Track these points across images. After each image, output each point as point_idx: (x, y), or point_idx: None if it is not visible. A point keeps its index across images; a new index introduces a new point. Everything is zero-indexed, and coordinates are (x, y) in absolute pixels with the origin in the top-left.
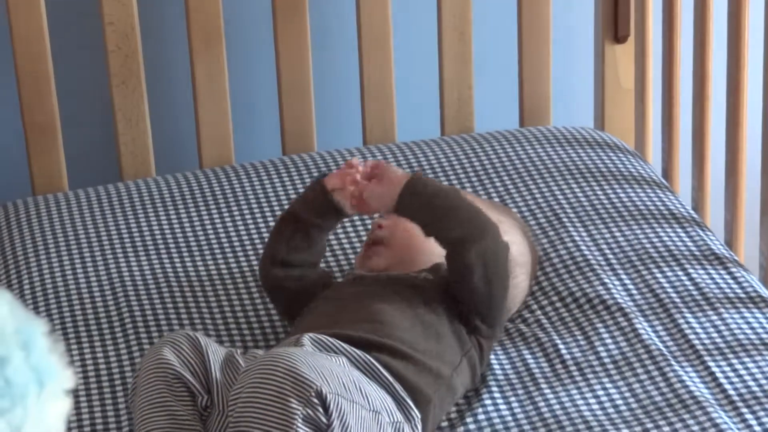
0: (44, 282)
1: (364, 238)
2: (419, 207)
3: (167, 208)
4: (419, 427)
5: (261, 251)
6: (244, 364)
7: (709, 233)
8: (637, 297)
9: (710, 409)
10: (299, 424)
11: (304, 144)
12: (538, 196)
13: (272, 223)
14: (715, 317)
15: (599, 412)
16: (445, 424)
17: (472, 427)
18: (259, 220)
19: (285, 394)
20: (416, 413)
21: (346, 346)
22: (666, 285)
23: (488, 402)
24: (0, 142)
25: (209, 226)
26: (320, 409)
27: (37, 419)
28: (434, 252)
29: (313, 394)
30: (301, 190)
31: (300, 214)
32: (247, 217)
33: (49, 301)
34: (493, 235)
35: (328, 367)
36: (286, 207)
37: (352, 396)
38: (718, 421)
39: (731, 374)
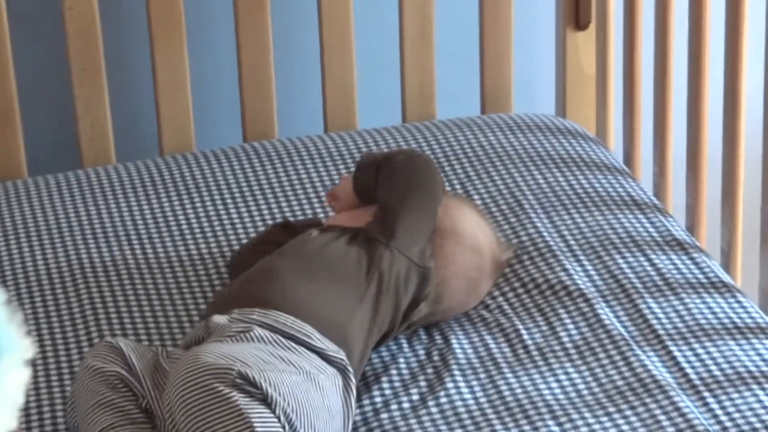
0: (3, 267)
1: None
2: (367, 176)
3: (127, 195)
4: (349, 367)
5: (219, 236)
6: (168, 368)
7: (670, 219)
8: (599, 283)
9: (672, 393)
10: (240, 399)
11: (265, 131)
12: (499, 183)
13: (232, 209)
14: (676, 302)
15: (561, 397)
16: (406, 406)
17: (434, 410)
18: (219, 206)
19: (213, 386)
20: (340, 356)
21: (255, 314)
22: (628, 270)
23: (451, 386)
24: None
25: (169, 213)
26: (248, 387)
27: None
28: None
29: (235, 375)
30: (262, 178)
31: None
32: (207, 203)
33: (8, 285)
34: (424, 164)
35: (239, 350)
36: (247, 195)
37: (276, 366)
38: (680, 405)
39: (693, 359)
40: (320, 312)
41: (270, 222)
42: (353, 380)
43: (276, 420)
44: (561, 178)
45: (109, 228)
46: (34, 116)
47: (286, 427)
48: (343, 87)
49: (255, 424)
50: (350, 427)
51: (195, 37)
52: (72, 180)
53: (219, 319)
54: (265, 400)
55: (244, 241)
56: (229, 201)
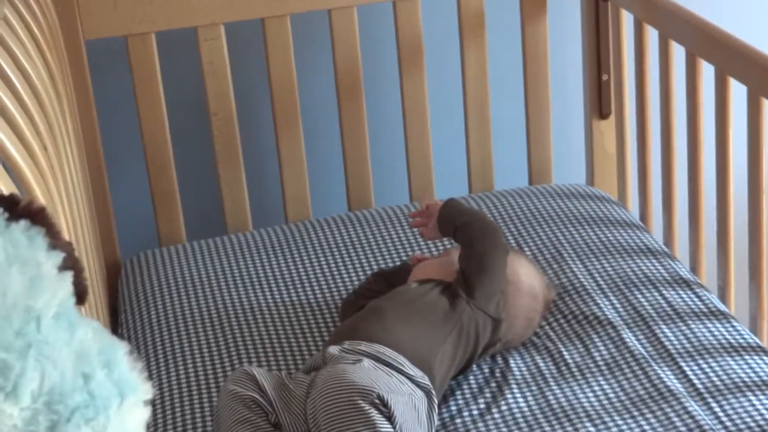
0: (167, 311)
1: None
2: (447, 227)
3: (260, 254)
4: (433, 392)
5: (331, 285)
6: (293, 387)
7: (677, 262)
8: (623, 313)
9: (683, 400)
10: (375, 416)
11: (365, 201)
12: (544, 237)
13: (340, 264)
14: (684, 327)
15: (596, 404)
16: (475, 413)
17: (497, 416)
18: (331, 262)
19: (356, 402)
20: (427, 382)
21: (360, 348)
22: (645, 303)
23: (509, 397)
24: (134, 207)
25: (293, 267)
26: (381, 406)
27: (118, 426)
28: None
29: (375, 396)
30: (363, 239)
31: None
32: (322, 260)
33: (170, 325)
34: (492, 235)
35: (369, 373)
36: (351, 252)
37: (392, 389)
38: (690, 409)
39: (699, 372)
40: (412, 347)
41: (369, 272)
42: (436, 401)
43: None
44: (591, 233)
45: (246, 279)
46: (190, 196)
47: None
48: (422, 166)
49: None
50: None
51: (310, 131)
52: (219, 244)
53: (333, 349)
54: (390, 419)
55: (350, 289)
56: (338, 257)
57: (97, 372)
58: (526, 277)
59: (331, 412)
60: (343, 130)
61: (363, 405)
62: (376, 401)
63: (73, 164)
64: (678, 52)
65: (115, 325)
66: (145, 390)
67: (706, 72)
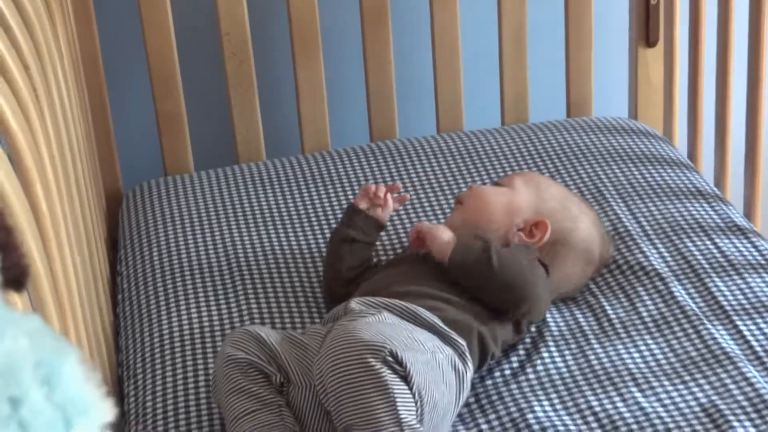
0: (170, 247)
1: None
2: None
3: (273, 187)
4: (467, 353)
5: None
6: (307, 341)
7: (731, 207)
8: (671, 263)
9: (740, 364)
10: (388, 375)
11: (388, 132)
12: (584, 175)
13: None
14: (740, 281)
15: (642, 365)
16: (508, 372)
17: (532, 377)
18: (350, 196)
19: (366, 360)
20: (461, 341)
21: (387, 300)
22: (696, 252)
23: (546, 355)
24: (138, 131)
25: (308, 201)
26: (394, 364)
27: None
28: (498, 227)
29: (387, 353)
30: (385, 171)
31: (351, 235)
32: (341, 194)
33: (173, 262)
34: (528, 290)
35: (384, 329)
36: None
37: (410, 346)
38: (748, 374)
39: (757, 332)
40: (449, 315)
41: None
42: (470, 364)
43: (412, 397)
44: (636, 171)
45: (258, 214)
46: (199, 122)
47: (419, 402)
48: (451, 94)
49: (397, 401)
50: (463, 401)
51: (330, 54)
52: (229, 174)
53: (355, 305)
54: (405, 378)
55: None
56: (358, 191)
57: (31, 393)
58: (583, 242)
59: (339, 374)
60: (367, 55)
61: (374, 363)
62: (389, 358)
63: (65, 84)
64: None
65: (116, 261)
66: (102, 411)
67: None
